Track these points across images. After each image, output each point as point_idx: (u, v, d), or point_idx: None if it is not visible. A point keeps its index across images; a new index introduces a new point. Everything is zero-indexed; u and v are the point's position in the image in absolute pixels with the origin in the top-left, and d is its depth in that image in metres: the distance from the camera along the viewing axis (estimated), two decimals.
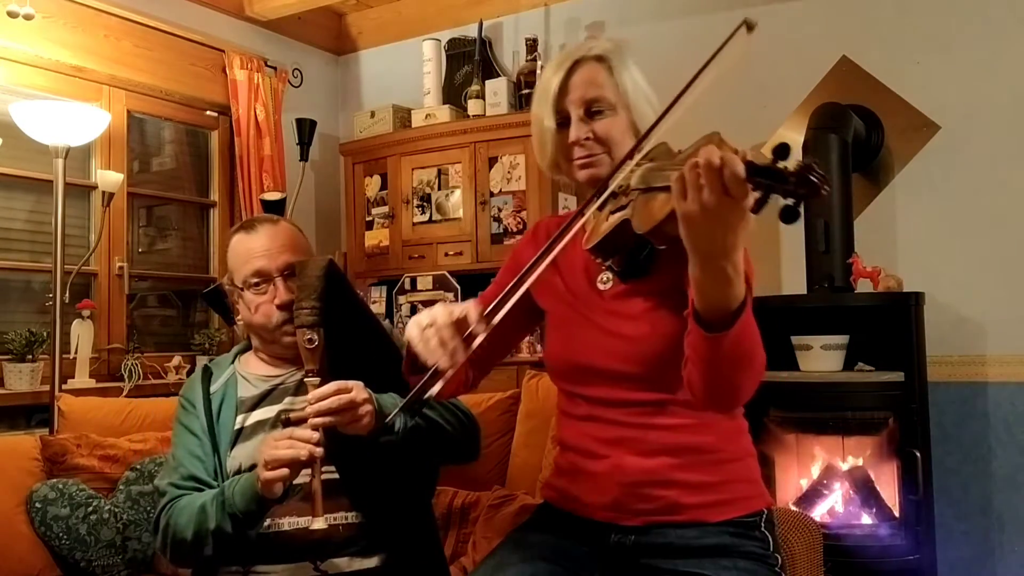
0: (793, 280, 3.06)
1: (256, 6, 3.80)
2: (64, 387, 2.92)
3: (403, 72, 4.05)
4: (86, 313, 3.12)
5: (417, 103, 3.78)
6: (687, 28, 3.40)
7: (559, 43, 3.70)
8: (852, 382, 2.71)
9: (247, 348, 1.71)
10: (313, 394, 1.40)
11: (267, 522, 1.47)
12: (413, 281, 3.60)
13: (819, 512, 2.73)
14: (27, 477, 2.11)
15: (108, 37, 3.33)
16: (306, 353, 1.46)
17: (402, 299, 3.62)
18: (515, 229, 3.43)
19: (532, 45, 3.60)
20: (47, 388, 2.87)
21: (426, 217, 3.66)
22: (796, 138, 2.97)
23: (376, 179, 3.82)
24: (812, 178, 0.86)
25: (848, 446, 2.77)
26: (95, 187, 3.31)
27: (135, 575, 2.11)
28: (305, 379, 1.45)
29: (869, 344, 2.80)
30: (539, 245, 1.20)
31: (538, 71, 3.44)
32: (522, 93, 3.53)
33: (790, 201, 0.88)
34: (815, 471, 2.82)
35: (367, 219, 3.83)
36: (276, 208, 3.55)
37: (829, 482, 2.78)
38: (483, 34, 3.80)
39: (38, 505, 2.05)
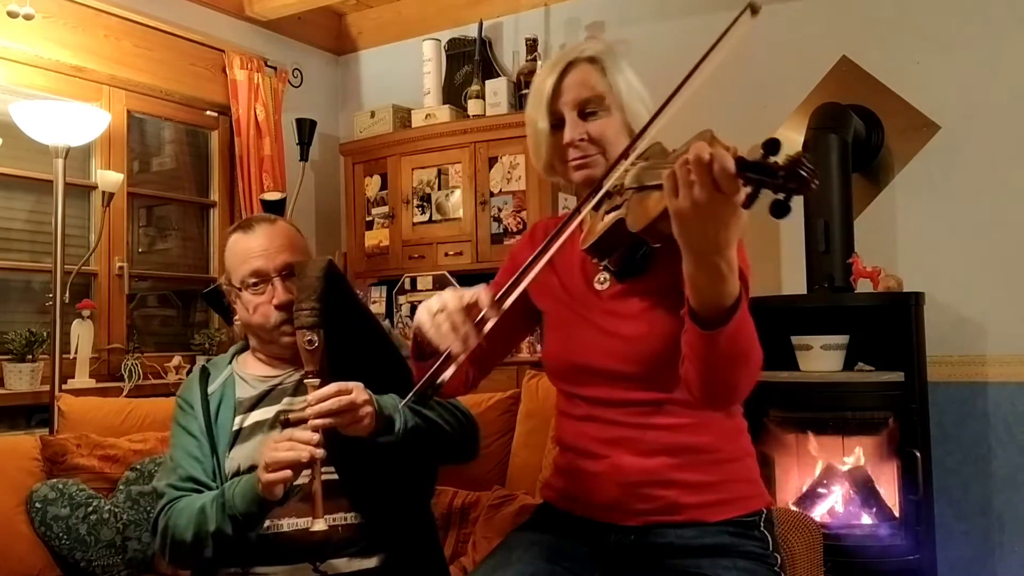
0: (793, 280, 3.06)
1: (256, 6, 3.80)
2: (64, 387, 2.92)
3: (403, 72, 4.05)
4: (86, 313, 3.12)
5: (417, 103, 3.78)
6: (687, 28, 3.39)
7: (559, 43, 3.69)
8: (852, 382, 2.71)
9: (244, 348, 1.71)
10: (313, 395, 1.39)
11: (267, 523, 1.46)
12: (413, 281, 3.60)
13: (819, 512, 2.72)
14: (27, 477, 2.11)
15: (108, 37, 3.33)
16: (306, 354, 1.45)
17: (402, 299, 3.62)
18: (515, 229, 3.43)
19: (532, 45, 3.60)
20: (47, 388, 2.87)
21: (426, 217, 3.66)
22: (796, 138, 2.98)
23: (376, 179, 3.82)
24: (801, 172, 0.86)
25: (848, 446, 2.77)
26: (95, 187, 3.31)
27: (135, 575, 2.11)
28: (305, 380, 1.45)
29: (869, 344, 2.80)
30: (537, 247, 1.20)
31: (538, 71, 3.43)
32: (522, 93, 3.52)
33: (780, 196, 0.88)
34: (815, 471, 2.81)
35: (367, 219, 3.83)
36: (276, 208, 3.55)
37: (829, 482, 2.78)
38: (483, 34, 3.79)
39: (38, 505, 2.05)
